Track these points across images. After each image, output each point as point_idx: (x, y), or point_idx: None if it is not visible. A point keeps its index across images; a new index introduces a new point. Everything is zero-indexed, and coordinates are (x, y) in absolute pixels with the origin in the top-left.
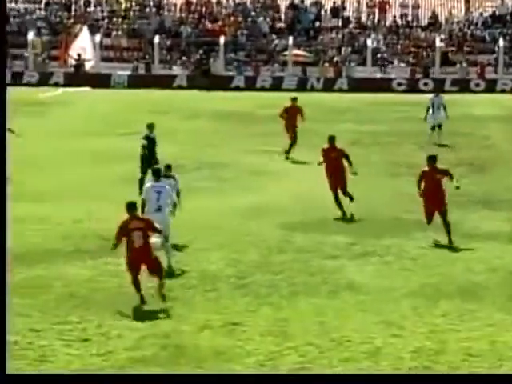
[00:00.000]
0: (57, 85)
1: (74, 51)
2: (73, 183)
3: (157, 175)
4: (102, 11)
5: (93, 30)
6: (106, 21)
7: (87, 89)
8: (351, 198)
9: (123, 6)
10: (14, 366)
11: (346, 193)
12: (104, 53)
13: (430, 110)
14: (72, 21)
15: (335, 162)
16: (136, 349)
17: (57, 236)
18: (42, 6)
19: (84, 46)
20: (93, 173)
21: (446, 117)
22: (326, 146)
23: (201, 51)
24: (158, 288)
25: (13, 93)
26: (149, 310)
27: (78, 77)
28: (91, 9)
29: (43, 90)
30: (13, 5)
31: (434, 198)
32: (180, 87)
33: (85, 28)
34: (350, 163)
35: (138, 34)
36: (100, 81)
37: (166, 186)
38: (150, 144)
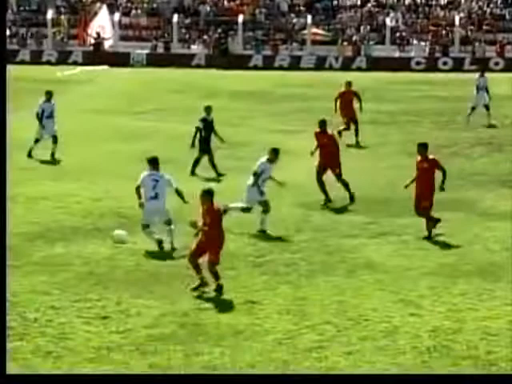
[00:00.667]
0: (76, 63)
1: (92, 30)
2: (92, 161)
3: (154, 164)
4: None
5: (112, 9)
6: None
7: (106, 67)
8: (346, 186)
9: None
10: (33, 343)
11: (340, 179)
12: (123, 31)
13: (475, 91)
14: None
15: (327, 147)
16: (155, 326)
17: (76, 214)
18: None
19: (103, 25)
20: (111, 151)
21: (489, 98)
22: (317, 130)
23: (219, 30)
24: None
25: (32, 71)
26: (167, 288)
27: (97, 55)
28: None
29: (62, 69)
30: None
31: (421, 189)
32: (198, 66)
33: (104, 6)
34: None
35: (157, 13)
36: (119, 59)
37: (165, 175)
38: (206, 126)
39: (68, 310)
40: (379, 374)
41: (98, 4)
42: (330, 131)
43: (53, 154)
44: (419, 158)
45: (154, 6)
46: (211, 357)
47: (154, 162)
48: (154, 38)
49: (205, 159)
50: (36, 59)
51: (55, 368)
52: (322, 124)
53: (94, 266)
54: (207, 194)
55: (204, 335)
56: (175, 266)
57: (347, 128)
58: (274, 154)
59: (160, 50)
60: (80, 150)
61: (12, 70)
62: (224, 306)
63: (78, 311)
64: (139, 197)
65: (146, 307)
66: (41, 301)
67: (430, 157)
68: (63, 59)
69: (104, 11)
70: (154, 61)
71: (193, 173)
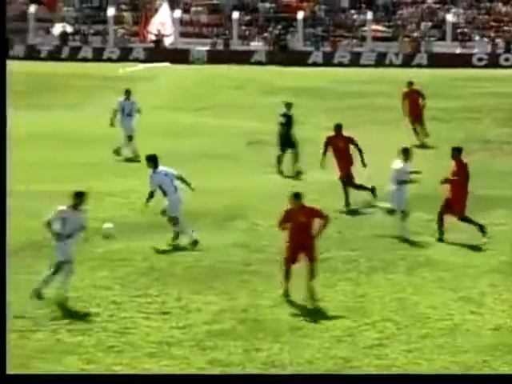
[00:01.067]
0: (137, 60)
1: (153, 27)
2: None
3: (155, 161)
4: None
5: (172, 6)
6: None
7: (167, 64)
8: (360, 187)
9: None
10: (96, 338)
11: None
12: (183, 28)
13: None
14: None
15: (342, 151)
16: (214, 322)
17: (137, 211)
18: None
19: (163, 22)
20: (173, 147)
21: None
22: (332, 134)
23: (279, 27)
24: (309, 273)
25: (94, 68)
26: (226, 284)
27: (158, 52)
28: None
29: (124, 66)
30: None
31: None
32: (258, 63)
33: (164, 4)
34: (360, 151)
35: (218, 10)
36: (179, 56)
37: (167, 168)
38: (288, 122)
39: (129, 305)
40: (439, 374)
41: (159, 1)
42: (345, 134)
43: (118, 150)
44: (454, 162)
45: (215, 2)
46: (270, 353)
47: (154, 160)
48: (214, 35)
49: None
50: (98, 56)
51: (116, 363)
52: (338, 128)
53: (155, 261)
54: (297, 197)
55: (263, 331)
56: (234, 262)
57: (418, 129)
58: (407, 153)
59: (220, 46)
60: (144, 145)
61: (75, 66)
62: (283, 303)
63: (139, 306)
64: (150, 196)
65: (206, 303)
66: (102, 296)
67: (463, 161)
68: (124, 56)
69: (165, 8)
70: (213, 57)
71: (279, 171)
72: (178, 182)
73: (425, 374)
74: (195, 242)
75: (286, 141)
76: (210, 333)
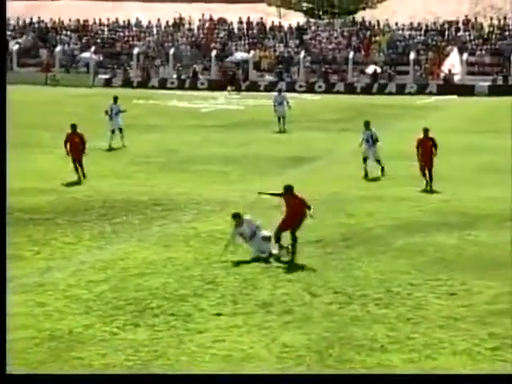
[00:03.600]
0: (431, 93)
1: (445, 67)
2: (443, 170)
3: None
4: (470, 35)
5: (461, 50)
6: (472, 42)
7: (454, 97)
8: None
9: (486, 30)
10: (396, 312)
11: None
12: (469, 68)
13: None
14: (445, 43)
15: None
16: (493, 303)
17: (430, 212)
18: (422, 32)
19: (453, 63)
20: (459, 162)
21: None
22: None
23: None
24: None
25: (397, 100)
26: (505, 272)
27: (448, 87)
28: (460, 33)
29: (420, 98)
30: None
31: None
32: None
33: (455, 49)
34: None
35: (497, 53)
36: (465, 90)
37: None
38: None
39: (423, 286)
40: (439, 374)
41: (450, 47)
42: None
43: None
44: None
45: (495, 47)
46: None
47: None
48: (495, 73)
49: None
50: (401, 91)
51: (413, 332)
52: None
53: (444, 253)
54: None
55: None
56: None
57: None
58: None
59: (499, 82)
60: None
61: (382, 99)
62: None
63: (431, 288)
64: None
65: (486, 287)
66: (402, 278)
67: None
68: (421, 90)
69: (455, 52)
70: (494, 91)
71: None
72: None
73: (425, 374)
74: None
75: None
76: (490, 311)
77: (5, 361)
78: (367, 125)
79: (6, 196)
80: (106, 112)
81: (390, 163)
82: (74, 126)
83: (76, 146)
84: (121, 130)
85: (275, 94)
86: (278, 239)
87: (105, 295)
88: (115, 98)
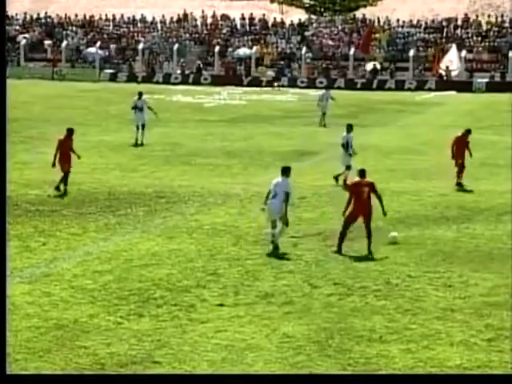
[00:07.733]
0: (430, 90)
1: (443, 64)
2: (436, 164)
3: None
4: (468, 32)
5: (459, 47)
6: (470, 39)
7: (453, 93)
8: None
9: (484, 28)
10: (396, 303)
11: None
12: (467, 64)
13: None
14: (444, 40)
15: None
16: (490, 295)
17: (427, 205)
18: (421, 29)
19: (451, 60)
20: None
21: None
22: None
23: None
24: None
25: (397, 96)
26: (501, 265)
27: (446, 83)
28: (459, 30)
29: (419, 94)
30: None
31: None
32: None
33: (453, 46)
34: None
35: (496, 50)
36: (463, 87)
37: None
38: None
39: (421, 278)
40: (439, 374)
41: (449, 43)
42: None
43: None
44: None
45: (493, 44)
46: None
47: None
48: (492, 70)
49: None
50: (400, 87)
51: (411, 323)
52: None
53: (442, 245)
54: None
55: None
56: (509, 249)
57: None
58: None
59: (497, 78)
60: (431, 154)
61: (382, 94)
62: None
63: (429, 280)
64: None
65: (483, 279)
66: (401, 271)
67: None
68: (420, 87)
69: (453, 49)
70: (491, 87)
71: None
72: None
73: (425, 374)
74: None
75: None
76: (486, 303)
77: (5, 361)
78: (350, 128)
79: (6, 189)
80: (133, 107)
81: (390, 157)
82: (70, 131)
83: (67, 156)
84: (143, 126)
85: (323, 91)
86: (343, 235)
87: (109, 285)
88: (140, 94)
